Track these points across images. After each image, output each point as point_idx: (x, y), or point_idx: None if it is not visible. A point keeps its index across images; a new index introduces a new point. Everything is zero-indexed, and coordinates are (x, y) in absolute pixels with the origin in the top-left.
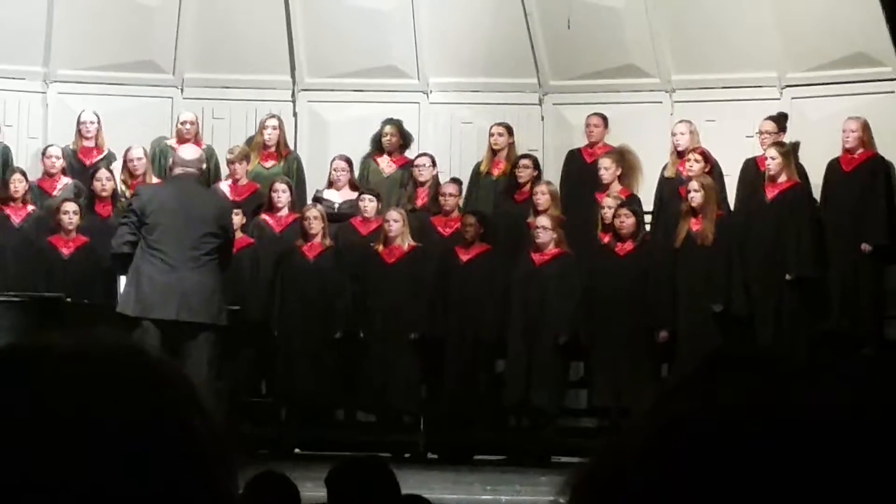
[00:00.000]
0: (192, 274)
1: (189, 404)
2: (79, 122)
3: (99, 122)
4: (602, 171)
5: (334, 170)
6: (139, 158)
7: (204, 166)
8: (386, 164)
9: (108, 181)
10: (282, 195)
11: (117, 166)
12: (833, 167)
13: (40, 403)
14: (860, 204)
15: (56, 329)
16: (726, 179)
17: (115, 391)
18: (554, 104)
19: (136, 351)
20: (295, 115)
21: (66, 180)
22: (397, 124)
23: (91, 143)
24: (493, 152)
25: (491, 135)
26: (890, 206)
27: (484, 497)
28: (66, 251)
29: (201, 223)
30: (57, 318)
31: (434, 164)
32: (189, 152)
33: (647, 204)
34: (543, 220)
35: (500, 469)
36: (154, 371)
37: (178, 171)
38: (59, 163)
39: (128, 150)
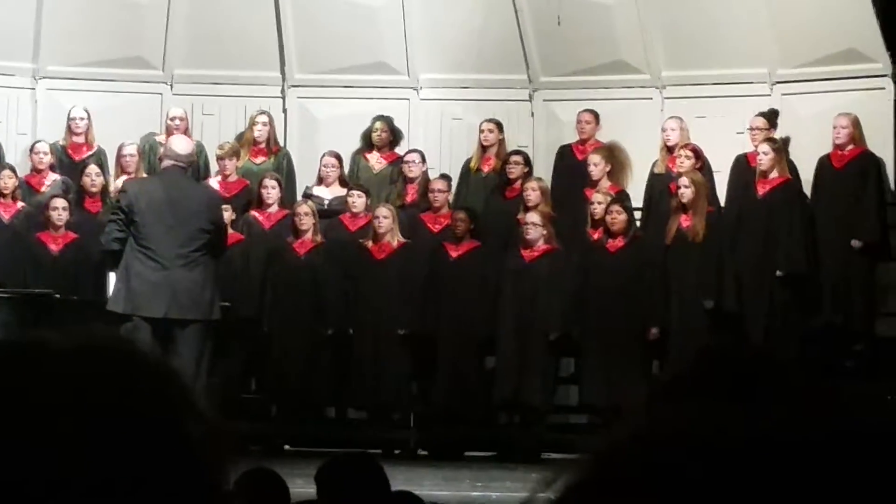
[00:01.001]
0: (182, 271)
1: (181, 400)
2: (69, 118)
3: (89, 118)
4: (591, 168)
5: (324, 166)
6: (132, 154)
7: (194, 160)
8: (376, 161)
9: (97, 177)
10: (271, 191)
11: (110, 162)
12: (824, 164)
13: (32, 400)
14: (851, 200)
15: (45, 325)
16: (717, 175)
17: (106, 388)
18: (544, 100)
19: (128, 347)
20: (285, 111)
21: (54, 176)
22: (387, 120)
23: (81, 140)
24: (483, 148)
25: (481, 131)
26: (880, 202)
27: (474, 493)
28: (54, 247)
29: (191, 219)
30: (46, 315)
31: (424, 160)
32: (182, 145)
33: (637, 200)
34: (533, 217)
35: (490, 465)
36: (146, 367)
37: (167, 163)
38: (47, 158)
39: (121, 146)
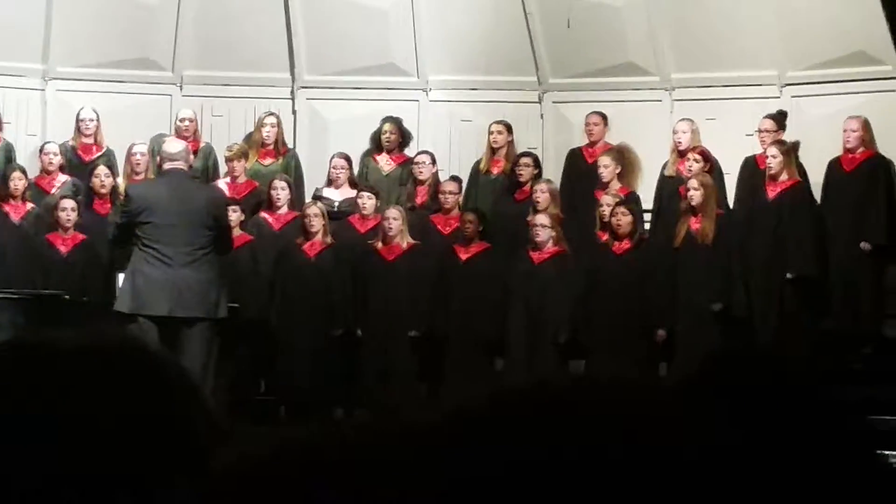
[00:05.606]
0: (188, 269)
1: (189, 399)
2: (78, 119)
3: (98, 120)
4: (601, 170)
5: (333, 168)
6: (142, 154)
7: (191, 158)
8: (385, 162)
9: (106, 178)
10: (281, 193)
11: (119, 163)
12: (834, 166)
13: (42, 398)
14: (861, 203)
15: (54, 326)
16: (726, 178)
17: (115, 386)
18: (553, 102)
19: (137, 346)
20: (294, 112)
21: (63, 178)
22: (397, 122)
23: (90, 140)
24: (493, 150)
25: (490, 133)
26: (890, 205)
27: None
28: (64, 249)
29: (194, 217)
30: (55, 316)
31: (434, 162)
32: (174, 145)
33: (648, 202)
34: (542, 219)
35: None
36: (154, 367)
37: (167, 165)
38: (57, 160)
39: (131, 147)
